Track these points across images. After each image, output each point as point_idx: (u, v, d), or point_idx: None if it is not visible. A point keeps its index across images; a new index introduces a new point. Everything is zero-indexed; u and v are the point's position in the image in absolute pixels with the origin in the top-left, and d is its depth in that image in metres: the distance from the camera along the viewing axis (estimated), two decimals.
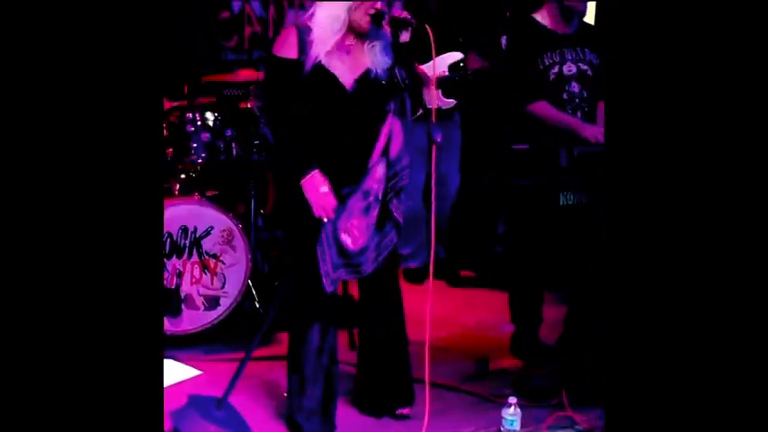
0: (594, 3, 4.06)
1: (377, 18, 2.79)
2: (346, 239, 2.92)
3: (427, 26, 2.70)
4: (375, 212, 2.95)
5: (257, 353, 3.31)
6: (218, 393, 3.02)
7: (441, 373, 3.38)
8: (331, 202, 2.83)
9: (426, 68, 4.48)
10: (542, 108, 3.46)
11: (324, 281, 2.90)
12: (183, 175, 4.21)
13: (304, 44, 2.81)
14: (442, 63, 4.46)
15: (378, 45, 2.85)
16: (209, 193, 4.17)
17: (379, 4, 2.78)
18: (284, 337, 3.22)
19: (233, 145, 4.16)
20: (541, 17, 3.57)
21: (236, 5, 5.62)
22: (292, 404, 3.03)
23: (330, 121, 2.85)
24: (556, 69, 3.48)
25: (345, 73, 2.84)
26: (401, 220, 3.02)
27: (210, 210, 3.96)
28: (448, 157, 4.85)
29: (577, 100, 3.47)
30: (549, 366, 3.50)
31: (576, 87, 3.48)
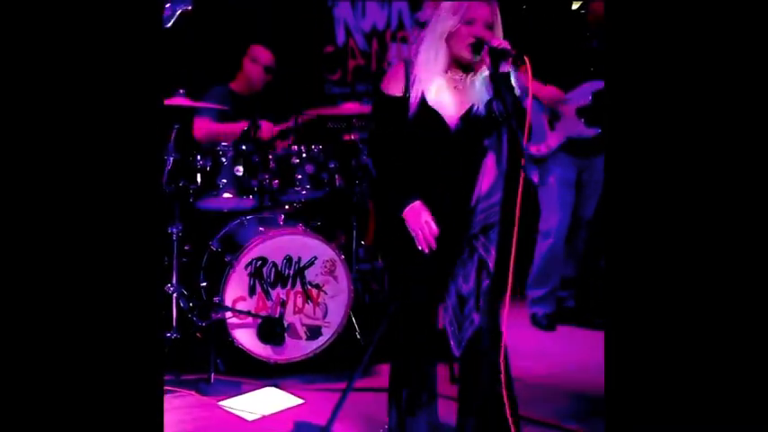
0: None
1: (476, 47, 2.73)
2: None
3: (526, 57, 2.63)
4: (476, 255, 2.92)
5: (358, 384, 3.34)
6: (320, 422, 3.07)
7: (542, 411, 3.34)
8: (433, 230, 2.76)
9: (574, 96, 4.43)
10: None
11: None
12: (287, 206, 4.32)
13: (410, 80, 2.81)
14: (587, 91, 4.40)
15: (477, 79, 2.81)
16: (312, 224, 4.26)
17: (478, 31, 2.71)
18: (385, 369, 3.24)
19: (336, 177, 4.24)
20: None
21: (341, 39, 5.75)
22: None
23: (433, 160, 2.84)
24: None
25: (450, 110, 2.82)
26: (489, 261, 2.87)
27: (315, 240, 4.05)
28: (591, 196, 4.67)
29: None
30: None
31: None
